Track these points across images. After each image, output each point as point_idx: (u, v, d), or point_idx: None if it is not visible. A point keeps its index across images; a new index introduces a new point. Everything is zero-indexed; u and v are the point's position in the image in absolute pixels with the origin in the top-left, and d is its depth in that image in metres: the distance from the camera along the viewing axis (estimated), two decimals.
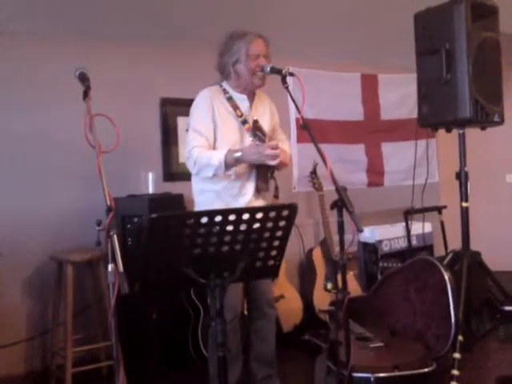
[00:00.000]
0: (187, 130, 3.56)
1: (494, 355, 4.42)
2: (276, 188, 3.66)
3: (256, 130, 3.32)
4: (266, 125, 3.57)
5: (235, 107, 3.52)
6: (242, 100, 3.55)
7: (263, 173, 3.49)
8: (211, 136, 3.46)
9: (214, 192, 3.48)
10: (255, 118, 3.38)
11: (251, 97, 3.61)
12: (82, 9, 4.44)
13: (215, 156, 3.33)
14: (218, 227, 2.35)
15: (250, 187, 3.51)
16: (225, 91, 3.57)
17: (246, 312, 3.97)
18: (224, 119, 3.47)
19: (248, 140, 3.47)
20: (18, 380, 4.35)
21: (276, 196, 3.65)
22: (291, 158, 3.70)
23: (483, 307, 4.45)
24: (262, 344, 3.70)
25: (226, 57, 3.49)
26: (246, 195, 3.49)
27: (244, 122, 3.47)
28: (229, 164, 3.32)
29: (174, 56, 5.09)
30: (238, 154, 3.30)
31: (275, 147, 3.27)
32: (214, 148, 3.45)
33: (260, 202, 3.56)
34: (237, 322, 3.54)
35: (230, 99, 3.54)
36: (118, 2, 4.48)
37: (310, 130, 3.08)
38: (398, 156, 6.32)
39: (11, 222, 4.33)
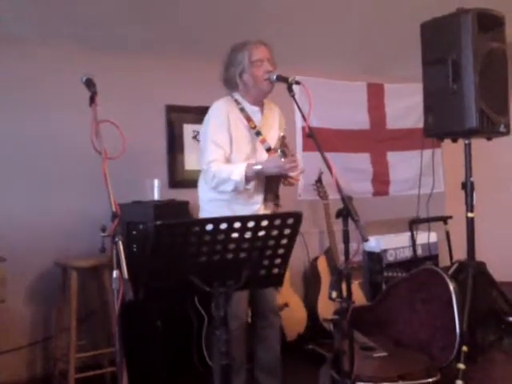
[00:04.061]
0: (194, 138, 3.56)
1: (499, 366, 4.40)
2: (277, 197, 3.64)
3: (283, 146, 3.28)
4: (275, 135, 3.56)
5: (248, 119, 3.50)
6: (254, 112, 3.55)
7: (272, 185, 3.49)
8: (228, 148, 3.43)
9: (222, 201, 3.45)
10: (282, 134, 3.36)
11: (261, 108, 3.61)
12: (89, 17, 4.45)
13: (236, 171, 3.29)
14: (223, 235, 2.35)
15: (259, 198, 3.49)
16: (237, 102, 3.55)
17: (249, 320, 3.96)
18: (238, 131, 3.46)
19: (260, 151, 3.48)
20: None
21: (276, 204, 3.63)
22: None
23: (488, 318, 4.43)
24: (268, 353, 3.67)
25: (232, 69, 3.49)
26: (254, 205, 3.47)
27: (258, 134, 3.46)
28: (249, 178, 3.30)
29: (179, 64, 5.10)
30: (258, 167, 3.27)
31: (294, 160, 3.26)
32: (229, 159, 3.44)
33: (268, 212, 3.53)
34: (241, 330, 3.51)
35: (242, 110, 3.51)
36: (124, 10, 4.49)
37: (315, 139, 3.08)
38: (403, 165, 6.32)
39: (16, 227, 4.33)
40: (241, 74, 3.48)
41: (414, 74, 4.59)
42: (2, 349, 4.20)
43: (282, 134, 3.39)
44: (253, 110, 3.56)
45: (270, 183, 3.49)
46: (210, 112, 3.54)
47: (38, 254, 4.41)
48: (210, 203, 3.55)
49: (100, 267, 4.25)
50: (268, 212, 3.53)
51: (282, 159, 3.25)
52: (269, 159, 3.37)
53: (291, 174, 3.33)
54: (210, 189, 3.48)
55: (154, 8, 4.56)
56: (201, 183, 3.61)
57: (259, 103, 3.59)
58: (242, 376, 3.56)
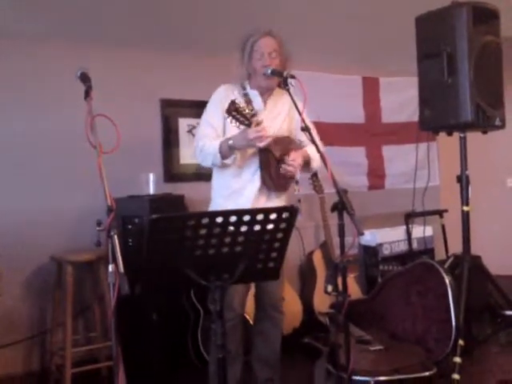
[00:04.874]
0: (189, 132, 3.54)
1: (495, 359, 4.41)
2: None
3: (232, 111, 3.21)
4: (280, 123, 3.56)
5: (248, 102, 3.50)
6: (254, 96, 3.54)
7: (266, 163, 3.45)
8: (220, 129, 3.48)
9: (224, 187, 3.51)
10: (232, 99, 3.31)
11: (266, 93, 3.59)
12: (84, 11, 4.44)
13: (213, 145, 3.36)
14: (218, 228, 2.35)
15: (256, 181, 3.47)
16: (243, 87, 3.58)
17: (250, 321, 3.98)
18: None
19: None
20: (16, 380, 4.35)
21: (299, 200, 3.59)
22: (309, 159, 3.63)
23: (484, 311, 4.44)
24: (266, 346, 3.69)
25: (241, 57, 3.52)
26: (251, 188, 3.46)
27: (253, 116, 3.44)
28: (224, 152, 3.33)
29: (175, 58, 5.09)
30: (230, 142, 3.30)
31: (259, 130, 3.23)
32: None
33: (274, 203, 3.52)
34: (237, 321, 3.51)
35: (245, 95, 3.54)
36: (120, 4, 4.49)
37: (310, 133, 3.08)
38: (398, 159, 6.33)
39: (11, 222, 4.32)
40: (246, 64, 3.50)
41: (409, 68, 4.59)
42: None
43: (232, 99, 3.30)
44: (253, 93, 3.56)
45: (263, 163, 3.46)
46: (212, 95, 3.60)
47: (34, 248, 4.40)
48: (215, 191, 3.60)
49: (96, 261, 4.25)
50: (270, 200, 3.53)
51: (248, 129, 3.25)
52: (238, 132, 3.34)
53: (259, 144, 3.25)
54: (215, 173, 3.58)
55: (151, 3, 4.56)
56: (212, 172, 3.65)
57: (263, 91, 3.58)
58: (237, 367, 3.57)
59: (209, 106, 3.58)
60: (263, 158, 3.43)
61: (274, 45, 3.47)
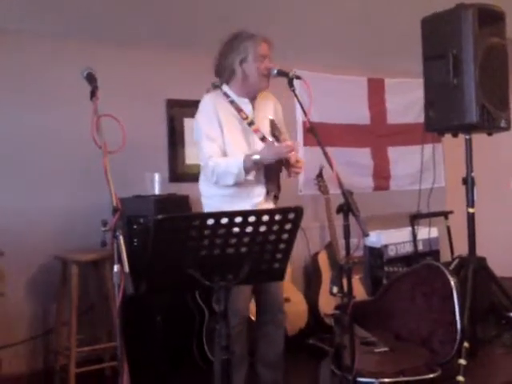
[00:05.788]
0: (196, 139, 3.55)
1: (500, 361, 4.40)
2: (279, 188, 3.62)
3: (274, 129, 3.33)
4: (267, 122, 3.55)
5: (239, 110, 3.48)
6: (244, 103, 3.51)
7: (273, 175, 3.47)
8: (221, 141, 3.42)
9: (224, 196, 3.44)
10: (271, 118, 3.40)
11: (253, 100, 3.57)
12: (89, 11, 4.44)
13: (234, 163, 3.31)
14: (223, 229, 2.35)
15: (261, 190, 3.47)
16: (226, 95, 3.53)
17: (253, 318, 3.97)
18: (229, 123, 3.44)
19: (254, 141, 3.45)
20: (21, 379, 4.35)
21: (276, 197, 3.61)
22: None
23: (489, 313, 4.44)
24: (270, 349, 3.65)
25: (232, 56, 3.45)
26: (255, 198, 3.44)
27: (250, 124, 3.45)
28: (248, 169, 3.30)
29: (180, 58, 5.09)
30: (257, 157, 3.27)
31: (291, 146, 3.29)
32: (224, 152, 3.43)
33: (270, 205, 3.52)
34: (242, 326, 3.49)
35: (232, 102, 3.50)
36: (125, 4, 4.49)
37: (316, 134, 3.08)
38: (404, 160, 6.32)
39: (16, 221, 4.32)
40: (241, 63, 3.44)
41: (415, 69, 4.59)
42: (3, 343, 4.20)
43: (270, 118, 3.41)
44: (243, 101, 3.53)
45: (270, 174, 3.47)
46: (199, 108, 3.55)
47: (39, 248, 4.40)
48: (212, 198, 3.53)
49: (100, 261, 4.26)
50: (269, 205, 3.52)
51: (276, 144, 3.31)
52: (265, 147, 3.35)
53: (289, 155, 3.31)
54: (211, 184, 3.47)
55: (155, 1, 4.56)
56: (202, 179, 3.60)
57: (250, 96, 3.56)
58: (242, 370, 3.55)
59: (203, 120, 3.49)
60: (268, 170, 3.46)
61: (270, 51, 3.47)
